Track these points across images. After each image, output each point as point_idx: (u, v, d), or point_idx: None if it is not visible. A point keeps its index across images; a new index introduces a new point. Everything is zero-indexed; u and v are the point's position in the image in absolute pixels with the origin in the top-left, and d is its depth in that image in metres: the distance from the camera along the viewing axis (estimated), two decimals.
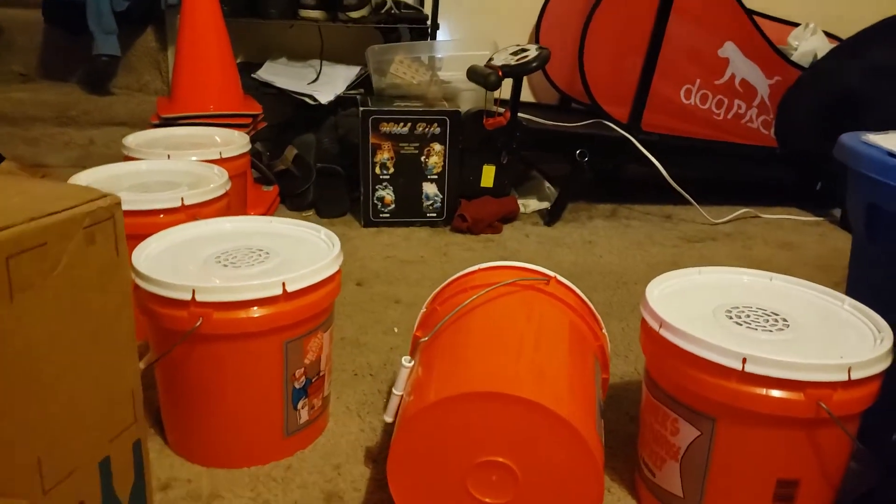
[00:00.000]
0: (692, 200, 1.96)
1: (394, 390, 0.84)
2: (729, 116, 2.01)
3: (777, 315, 0.86)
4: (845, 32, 2.04)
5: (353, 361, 1.19)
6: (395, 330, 1.30)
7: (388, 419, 0.83)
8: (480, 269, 0.95)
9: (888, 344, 0.78)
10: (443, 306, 0.91)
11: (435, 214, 1.83)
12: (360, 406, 1.07)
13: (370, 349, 1.23)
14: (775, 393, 0.74)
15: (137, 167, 1.31)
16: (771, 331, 0.82)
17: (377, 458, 0.95)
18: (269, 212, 1.79)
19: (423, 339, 0.87)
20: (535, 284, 0.92)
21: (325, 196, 1.85)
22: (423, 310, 0.96)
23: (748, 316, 0.85)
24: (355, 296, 1.43)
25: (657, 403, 0.84)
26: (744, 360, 0.74)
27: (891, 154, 0.95)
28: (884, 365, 0.76)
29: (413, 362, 0.85)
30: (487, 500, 0.75)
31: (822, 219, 2.04)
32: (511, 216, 1.89)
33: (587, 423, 0.75)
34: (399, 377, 0.84)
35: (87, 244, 0.62)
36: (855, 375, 0.74)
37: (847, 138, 1.04)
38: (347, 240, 1.73)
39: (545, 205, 1.97)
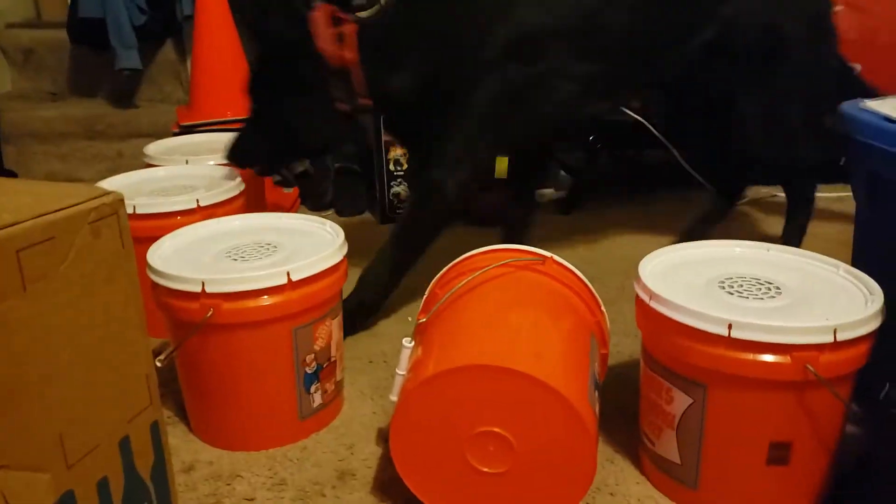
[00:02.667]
0: (706, 183, 1.96)
1: (397, 371, 0.87)
2: None
3: (770, 283, 0.87)
4: None
5: (368, 350, 1.23)
6: (410, 319, 1.33)
7: (394, 398, 0.87)
8: (479, 253, 0.98)
9: (877, 305, 0.79)
10: (443, 290, 0.95)
11: None
12: (374, 390, 1.11)
13: (385, 338, 1.27)
14: (762, 357, 0.76)
15: (156, 174, 1.37)
16: (762, 298, 0.84)
17: (389, 437, 0.99)
18: (290, 212, 1.84)
19: (421, 321, 0.90)
20: (531, 265, 0.94)
21: (343, 195, 1.90)
22: (426, 294, 1.00)
23: (741, 285, 0.87)
24: None
25: (653, 374, 0.86)
26: (729, 326, 0.76)
27: (887, 119, 0.95)
28: (871, 326, 0.77)
29: (413, 343, 0.88)
30: (486, 469, 0.78)
31: (844, 194, 2.02)
32: None
33: (580, 395, 0.77)
34: (401, 358, 0.87)
35: (93, 238, 0.66)
36: (841, 337, 0.75)
37: (846, 106, 1.04)
38: (365, 236, 1.77)
39: (561, 194, 1.99)
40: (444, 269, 0.99)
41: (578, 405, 0.75)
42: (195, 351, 0.94)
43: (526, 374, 0.75)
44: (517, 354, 0.78)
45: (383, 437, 1.00)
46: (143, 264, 0.94)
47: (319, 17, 1.21)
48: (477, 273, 0.91)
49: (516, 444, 0.77)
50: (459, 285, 0.90)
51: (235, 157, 1.32)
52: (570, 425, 0.75)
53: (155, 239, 1.01)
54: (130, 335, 0.71)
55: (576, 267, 0.96)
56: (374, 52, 1.22)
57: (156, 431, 0.77)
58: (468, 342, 0.82)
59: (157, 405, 0.77)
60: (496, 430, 0.77)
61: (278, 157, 1.37)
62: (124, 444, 0.72)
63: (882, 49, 1.96)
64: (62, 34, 2.27)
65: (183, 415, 1.04)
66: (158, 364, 0.88)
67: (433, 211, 1.24)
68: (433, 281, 1.00)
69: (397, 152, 1.80)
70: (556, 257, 0.96)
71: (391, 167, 1.81)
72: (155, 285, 0.94)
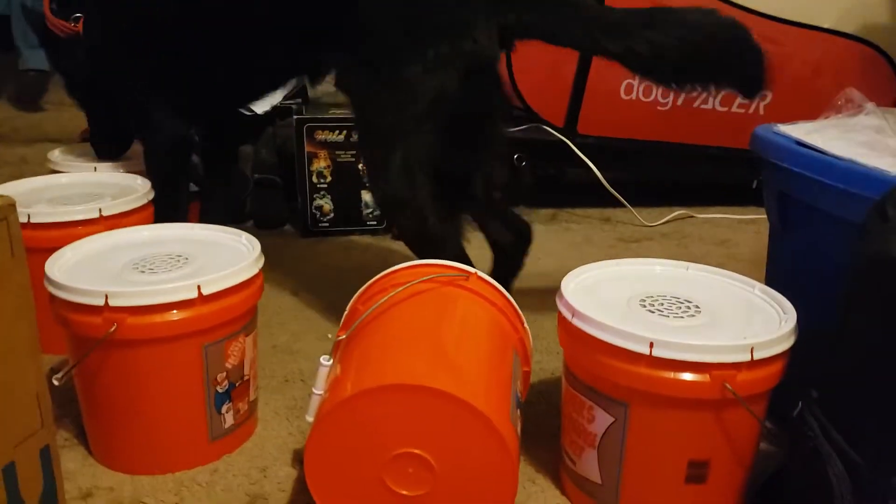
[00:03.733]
0: (626, 203, 2.00)
1: (314, 390, 0.84)
2: (679, 103, 1.97)
3: (690, 302, 0.88)
4: None
5: (284, 368, 1.18)
6: (329, 336, 1.29)
7: (310, 419, 0.83)
8: (402, 268, 0.96)
9: (791, 324, 0.81)
10: (364, 306, 0.92)
11: (375, 222, 1.83)
12: (290, 410, 1.06)
13: (303, 356, 1.23)
14: (683, 376, 0.76)
15: (59, 180, 1.29)
16: (682, 317, 0.84)
17: (304, 459, 0.95)
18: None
19: (341, 338, 0.87)
20: (454, 280, 0.93)
21: (262, 207, 1.85)
22: (347, 311, 0.96)
23: (661, 304, 0.87)
24: (291, 304, 1.42)
25: (574, 392, 0.85)
26: (651, 345, 0.76)
27: (799, 143, 0.99)
28: (786, 345, 0.79)
29: (332, 361, 0.85)
30: (404, 492, 0.75)
31: (758, 216, 2.09)
32: None
33: (502, 414, 0.75)
34: (318, 376, 0.84)
35: None
36: (758, 355, 0.76)
37: (760, 129, 1.08)
38: (285, 250, 1.72)
39: None
40: (366, 285, 0.96)
41: (500, 425, 0.73)
42: (96, 369, 0.88)
43: (447, 393, 0.72)
44: (438, 373, 0.76)
45: (298, 459, 0.95)
46: (40, 276, 0.88)
47: None
48: (399, 289, 0.89)
49: (436, 465, 0.74)
50: (381, 301, 0.88)
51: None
52: (492, 445, 0.73)
53: (51, 251, 0.94)
54: (19, 352, 0.66)
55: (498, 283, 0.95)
56: None
57: (46, 456, 0.71)
58: (388, 360, 0.79)
59: (49, 428, 0.71)
60: (416, 451, 0.74)
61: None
62: (9, 471, 0.66)
63: (790, 77, 2.05)
64: None
65: (82, 437, 0.97)
66: (56, 383, 0.82)
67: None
68: (354, 297, 0.97)
69: (321, 164, 1.76)
70: (480, 273, 0.95)
71: (314, 179, 1.77)
72: (53, 298, 0.87)
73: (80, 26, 1.39)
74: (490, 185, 1.21)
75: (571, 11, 1.06)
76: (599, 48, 1.06)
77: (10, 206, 0.63)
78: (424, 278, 0.91)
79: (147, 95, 1.33)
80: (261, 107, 1.94)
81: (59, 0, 1.41)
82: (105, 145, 1.44)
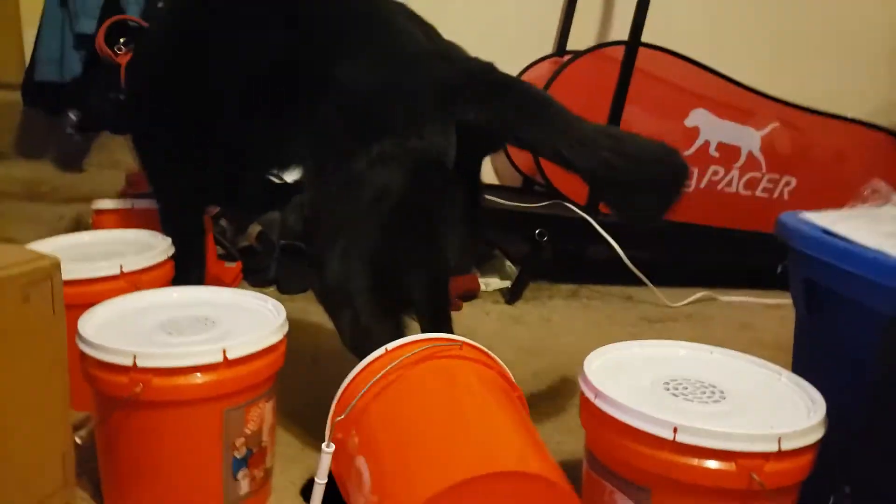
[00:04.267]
0: (648, 283, 1.99)
1: (317, 479, 0.83)
2: (702, 185, 2.00)
3: (714, 387, 0.87)
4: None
5: (301, 436, 1.18)
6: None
7: None
8: (394, 349, 0.91)
9: (820, 415, 0.79)
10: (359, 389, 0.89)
11: None
12: (305, 482, 1.05)
13: (320, 425, 1.22)
14: (707, 463, 0.75)
15: (82, 238, 1.33)
16: (707, 402, 0.83)
17: None
18: (231, 286, 1.79)
19: (340, 418, 0.85)
20: (447, 351, 0.91)
21: (286, 272, 1.87)
22: (338, 396, 0.91)
23: (685, 388, 0.87)
24: (310, 372, 1.42)
25: (595, 476, 0.84)
26: (675, 430, 0.75)
27: (825, 231, 0.99)
28: (815, 436, 0.77)
29: (333, 448, 0.83)
30: None
31: (782, 301, 2.07)
32: (472, 294, 1.91)
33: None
34: (321, 464, 0.83)
35: (22, 302, 0.63)
36: (785, 446, 0.75)
37: (785, 216, 1.08)
38: (307, 316, 1.73)
39: (506, 283, 2.00)
40: (357, 371, 0.93)
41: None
42: (119, 427, 0.88)
43: (541, 477, 0.71)
44: (527, 455, 0.75)
45: None
46: (68, 333, 0.89)
47: None
48: (390, 366, 0.87)
49: None
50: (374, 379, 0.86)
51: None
52: None
53: (75, 307, 0.95)
54: (51, 410, 0.67)
55: (519, 360, 0.94)
56: None
57: None
58: (445, 449, 0.77)
59: (71, 486, 0.71)
60: None
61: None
62: None
63: (814, 164, 2.07)
64: (15, 95, 2.22)
65: (99, 496, 0.97)
66: (78, 441, 0.82)
67: None
68: (346, 382, 0.93)
69: None
70: (468, 339, 0.93)
71: None
72: (84, 356, 0.88)
73: (122, 59, 1.45)
74: (434, 288, 1.16)
75: (543, 117, 1.01)
76: (564, 161, 1.02)
77: (55, 265, 0.65)
78: (418, 352, 0.89)
79: (165, 154, 1.36)
80: (291, 175, 1.99)
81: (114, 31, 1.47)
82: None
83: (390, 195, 1.00)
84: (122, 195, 1.73)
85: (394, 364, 0.87)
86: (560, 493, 0.72)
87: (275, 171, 1.48)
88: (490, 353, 0.93)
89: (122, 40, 1.46)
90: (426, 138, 0.99)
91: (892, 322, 0.71)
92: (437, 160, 1.00)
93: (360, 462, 0.81)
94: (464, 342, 0.92)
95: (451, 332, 1.18)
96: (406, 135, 0.99)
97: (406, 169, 0.99)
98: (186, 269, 1.31)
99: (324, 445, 0.82)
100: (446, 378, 0.89)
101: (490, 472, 0.71)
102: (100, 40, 1.45)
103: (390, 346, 0.90)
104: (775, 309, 2.01)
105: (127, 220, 1.49)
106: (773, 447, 0.74)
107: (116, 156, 2.30)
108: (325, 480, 0.81)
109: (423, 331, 1.19)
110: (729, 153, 2.01)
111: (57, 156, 2.29)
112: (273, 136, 1.19)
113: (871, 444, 0.73)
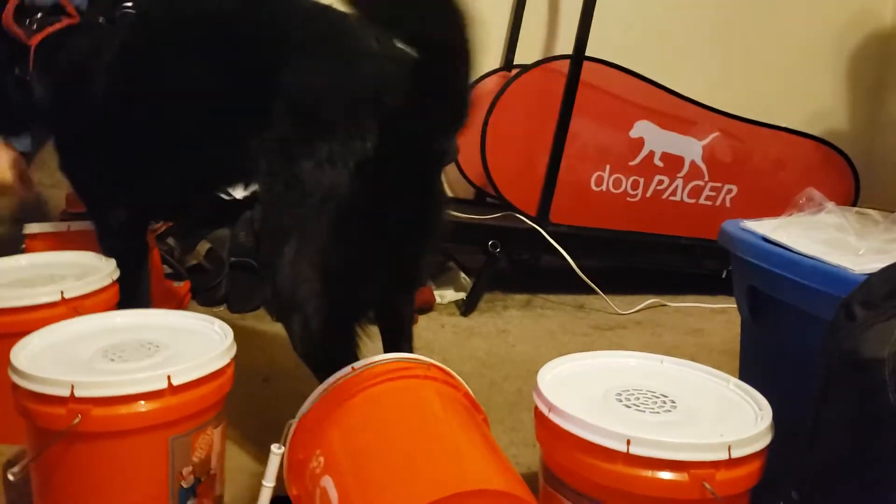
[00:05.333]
0: (599, 291, 2.01)
1: (264, 482, 0.81)
2: (648, 195, 2.04)
3: (665, 396, 0.88)
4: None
5: (253, 462, 1.15)
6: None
7: None
8: (363, 370, 0.89)
9: (766, 421, 0.81)
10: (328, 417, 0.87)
11: None
12: None
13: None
14: (661, 474, 0.75)
15: (19, 261, 1.27)
16: (658, 412, 0.84)
17: None
18: (180, 307, 1.75)
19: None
20: (413, 370, 0.90)
21: (237, 290, 1.83)
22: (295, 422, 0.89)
23: (637, 398, 0.87)
24: (261, 392, 1.40)
25: (550, 490, 0.84)
26: (628, 442, 0.75)
27: (765, 239, 1.01)
28: (763, 442, 0.78)
29: (283, 450, 0.81)
30: None
31: (728, 306, 2.11)
32: (427, 307, 1.90)
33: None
34: (269, 466, 0.81)
35: None
36: (735, 453, 0.75)
37: (728, 225, 1.11)
38: (258, 335, 1.70)
39: (461, 295, 1.99)
40: (323, 388, 0.90)
41: None
42: (56, 462, 0.85)
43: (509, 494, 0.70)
44: (495, 474, 0.74)
45: None
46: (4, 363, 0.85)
47: None
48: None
49: None
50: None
51: None
52: None
53: (12, 336, 0.92)
54: None
55: (475, 371, 0.94)
56: None
57: None
58: (413, 469, 0.76)
59: None
60: None
61: None
62: None
63: (753, 172, 2.13)
64: None
65: None
66: (11, 478, 0.79)
67: None
68: (311, 399, 0.90)
69: None
70: (435, 361, 0.92)
71: None
72: (16, 387, 0.85)
73: (33, 40, 1.32)
74: (393, 299, 1.16)
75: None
76: None
77: None
78: (387, 376, 0.88)
79: (100, 166, 1.30)
80: (240, 191, 1.95)
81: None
82: None
83: (337, 196, 0.98)
84: (62, 216, 1.68)
85: (361, 384, 0.86)
86: None
87: (225, 187, 1.46)
88: (456, 375, 0.93)
89: (36, 17, 1.34)
90: (368, 139, 0.98)
91: (830, 327, 0.73)
92: (381, 161, 0.99)
93: (327, 482, 0.79)
94: (430, 363, 0.91)
95: (412, 347, 1.19)
96: (349, 136, 0.99)
97: (350, 170, 0.98)
98: (130, 291, 1.27)
99: (273, 447, 0.80)
100: (412, 398, 0.88)
101: (457, 491, 0.70)
102: (7, 18, 1.34)
103: (357, 364, 0.89)
104: (722, 313, 2.05)
105: (63, 244, 1.41)
106: (724, 455, 0.75)
107: (58, 175, 2.24)
108: (273, 483, 0.79)
109: (385, 344, 1.20)
110: (673, 163, 2.06)
111: None
112: (225, 152, 1.16)
113: (816, 449, 0.74)
